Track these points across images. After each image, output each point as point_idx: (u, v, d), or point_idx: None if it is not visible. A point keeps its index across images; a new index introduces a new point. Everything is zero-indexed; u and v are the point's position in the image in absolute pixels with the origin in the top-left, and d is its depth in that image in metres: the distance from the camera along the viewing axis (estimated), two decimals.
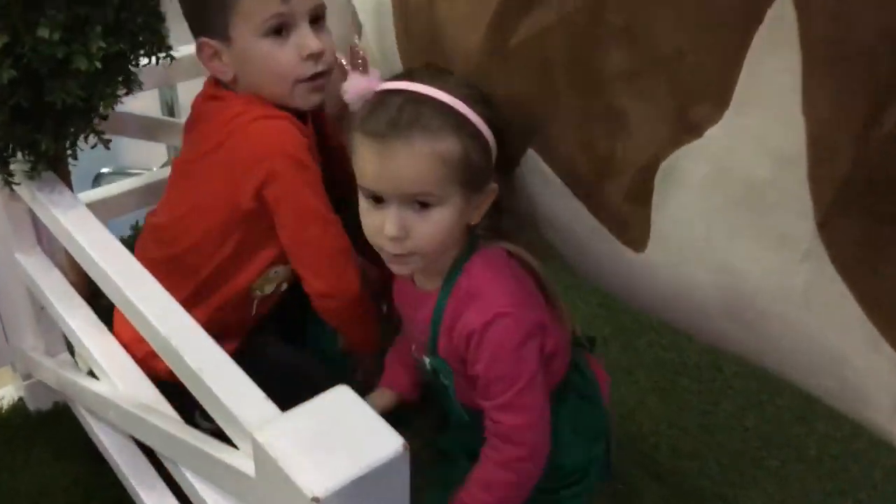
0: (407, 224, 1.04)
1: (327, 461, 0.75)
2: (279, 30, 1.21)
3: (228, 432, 0.96)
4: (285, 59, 1.22)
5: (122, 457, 1.40)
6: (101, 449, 1.48)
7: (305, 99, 1.26)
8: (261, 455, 0.80)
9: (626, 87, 0.88)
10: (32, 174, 1.30)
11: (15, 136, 1.21)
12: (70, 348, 1.69)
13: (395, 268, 1.12)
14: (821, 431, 1.75)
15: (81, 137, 1.27)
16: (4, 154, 1.26)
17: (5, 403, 1.81)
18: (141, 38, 1.20)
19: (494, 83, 1.05)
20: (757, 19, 0.74)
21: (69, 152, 1.28)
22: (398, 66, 1.23)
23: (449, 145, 1.01)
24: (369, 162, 1.03)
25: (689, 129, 0.83)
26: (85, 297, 1.48)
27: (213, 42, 1.25)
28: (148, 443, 1.20)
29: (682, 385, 1.86)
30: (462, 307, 1.09)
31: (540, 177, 1.05)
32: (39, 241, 1.58)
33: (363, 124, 1.04)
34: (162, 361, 1.04)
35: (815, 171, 0.75)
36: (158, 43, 1.24)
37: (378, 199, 1.06)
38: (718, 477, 1.65)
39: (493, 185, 1.09)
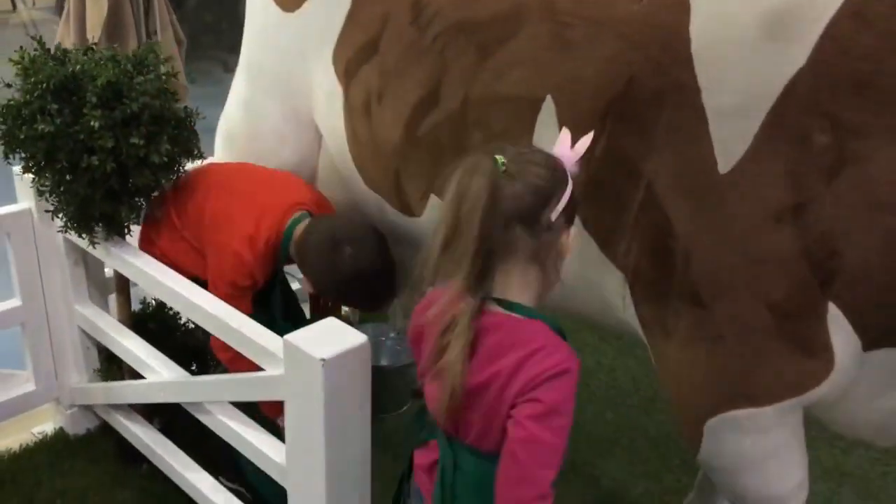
0: None
1: (326, 345, 1.43)
2: None
3: (257, 356, 1.61)
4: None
5: (157, 445, 2.03)
6: (138, 446, 2.10)
7: None
8: (289, 349, 1.47)
9: None
10: (108, 237, 1.96)
11: (103, 209, 1.89)
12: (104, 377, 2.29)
13: None
14: None
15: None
16: (91, 223, 1.93)
17: (50, 430, 2.38)
18: (188, 146, 1.92)
19: (410, 161, 1.79)
20: (535, 114, 1.51)
21: (135, 220, 1.96)
22: (349, 159, 1.97)
23: None
24: None
25: None
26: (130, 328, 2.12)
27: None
28: (195, 398, 1.83)
29: None
30: None
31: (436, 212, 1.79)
32: (90, 295, 2.22)
33: None
34: None
35: None
36: (195, 148, 1.96)
37: None
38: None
39: None
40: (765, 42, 1.26)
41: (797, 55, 1.23)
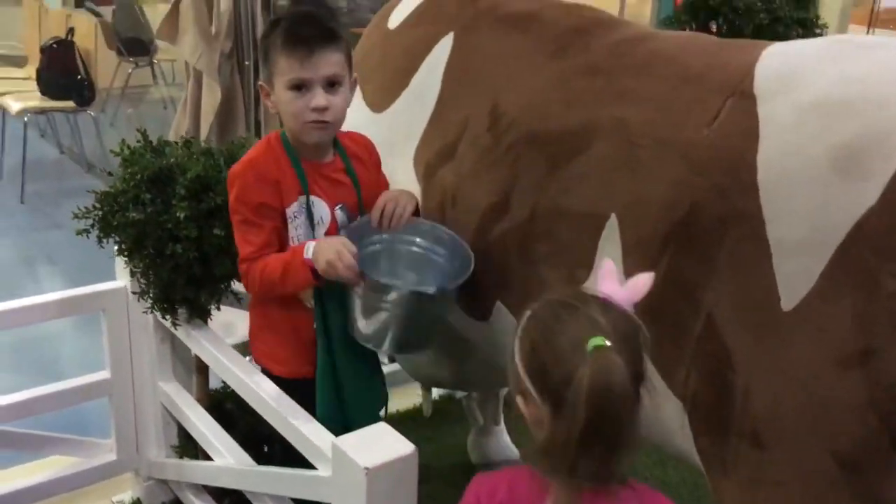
0: None
1: (373, 452, 1.42)
2: (299, 87, 1.71)
3: (309, 454, 1.61)
4: (297, 107, 1.71)
5: None
6: None
7: (310, 136, 1.74)
8: (337, 453, 1.47)
9: (545, 264, 1.62)
10: (190, 319, 2.04)
11: (185, 293, 1.97)
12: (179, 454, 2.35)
13: None
14: None
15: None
16: (175, 305, 2.01)
17: (128, 500, 2.46)
18: None
19: (480, 266, 1.79)
20: (599, 231, 1.49)
21: (215, 305, 2.03)
22: None
23: None
24: None
25: (576, 284, 1.56)
26: (206, 408, 2.17)
27: (265, 86, 1.78)
28: (254, 489, 1.85)
29: None
30: None
31: (502, 317, 1.77)
32: (174, 371, 2.30)
33: None
34: None
35: None
36: None
37: None
38: None
39: None
40: (834, 178, 1.20)
41: (868, 193, 1.17)
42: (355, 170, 1.86)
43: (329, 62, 1.70)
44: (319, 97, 1.70)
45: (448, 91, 1.91)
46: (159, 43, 6.70)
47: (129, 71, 6.71)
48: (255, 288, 1.80)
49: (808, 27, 2.89)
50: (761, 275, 1.27)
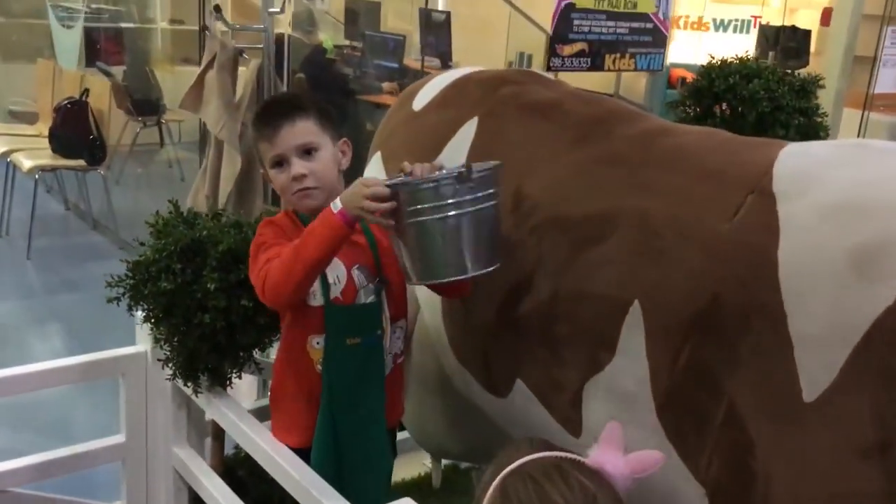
0: None
1: None
2: (280, 163, 1.83)
3: None
4: (281, 181, 1.83)
5: None
6: None
7: (301, 204, 1.83)
8: None
9: (567, 345, 1.67)
10: (211, 387, 2.07)
11: (209, 361, 2.01)
12: None
13: None
14: None
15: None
16: (197, 373, 2.05)
17: None
18: None
19: (499, 343, 1.84)
20: (623, 315, 1.55)
21: (238, 375, 2.07)
22: (443, 336, 2.04)
23: None
24: None
25: (597, 367, 1.61)
26: (220, 475, 2.19)
27: (264, 171, 1.91)
28: None
29: None
30: None
31: (522, 395, 1.81)
32: (188, 438, 2.32)
33: None
34: None
35: (653, 387, 1.51)
36: None
37: None
38: None
39: None
40: (853, 277, 1.27)
41: (886, 293, 1.23)
42: (373, 232, 1.87)
43: (296, 133, 1.80)
44: (297, 166, 1.80)
45: None
46: (167, 103, 6.85)
47: (138, 130, 6.82)
48: (272, 278, 1.73)
49: (809, 115, 2.99)
50: (783, 366, 1.32)
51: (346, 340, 1.85)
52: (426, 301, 2.12)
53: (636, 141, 1.73)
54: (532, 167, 1.87)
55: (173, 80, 6.89)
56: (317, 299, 1.84)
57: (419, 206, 1.58)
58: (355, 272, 1.86)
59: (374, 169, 2.27)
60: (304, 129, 1.81)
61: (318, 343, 1.86)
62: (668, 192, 1.58)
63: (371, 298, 1.87)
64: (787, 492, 1.32)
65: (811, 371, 1.30)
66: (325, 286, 1.82)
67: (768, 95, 2.87)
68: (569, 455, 1.18)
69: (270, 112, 1.85)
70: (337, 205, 1.64)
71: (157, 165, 7.21)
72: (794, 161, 1.47)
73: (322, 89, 4.75)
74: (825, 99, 3.44)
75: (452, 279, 1.66)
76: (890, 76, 4.44)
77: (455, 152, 2.04)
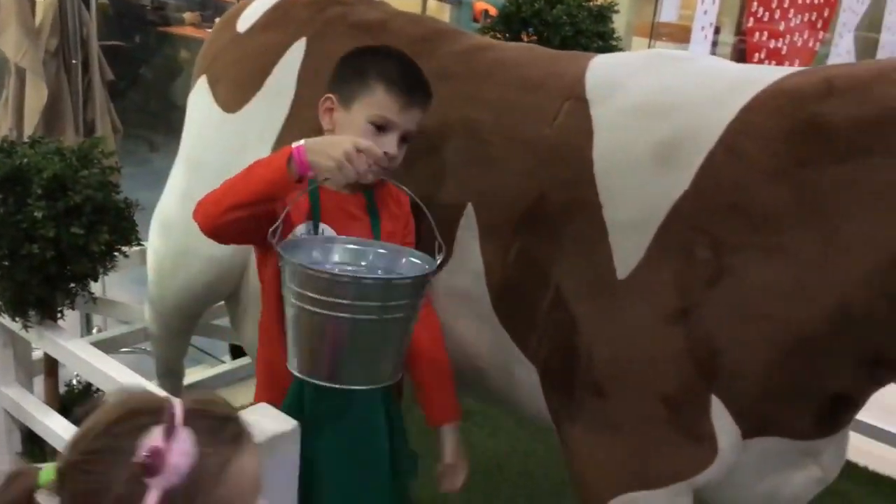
0: None
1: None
2: (382, 126, 1.63)
3: None
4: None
5: None
6: None
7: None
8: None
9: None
10: (41, 321, 2.02)
11: (38, 294, 1.95)
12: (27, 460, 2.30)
13: None
14: None
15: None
16: (26, 307, 1.98)
17: None
18: (126, 235, 2.01)
19: None
20: (458, 218, 1.68)
21: (71, 306, 2.03)
22: None
23: None
24: None
25: (438, 268, 1.74)
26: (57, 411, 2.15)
27: (334, 101, 1.67)
28: None
29: None
30: None
31: None
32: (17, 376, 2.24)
33: None
34: None
35: (488, 281, 1.66)
36: (135, 238, 2.05)
37: None
38: None
39: None
40: (656, 167, 1.46)
41: (683, 180, 1.43)
42: (379, 213, 1.71)
43: (416, 119, 1.66)
44: (394, 146, 1.63)
45: (303, 93, 2.03)
46: None
47: None
48: (205, 200, 1.56)
49: (605, 39, 3.25)
50: (600, 251, 1.51)
51: None
52: None
53: (462, 56, 1.84)
54: None
55: None
56: None
57: (308, 293, 1.42)
58: None
59: (200, 93, 2.24)
60: (419, 121, 1.68)
61: None
62: (494, 103, 1.71)
63: None
64: (606, 359, 1.52)
65: (623, 252, 1.49)
66: None
67: (570, 21, 3.08)
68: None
69: (418, 81, 1.67)
70: (300, 144, 1.50)
71: None
72: (602, 70, 1.64)
73: (126, 18, 4.50)
74: (618, 28, 3.72)
75: (326, 384, 1.49)
76: (672, 6, 4.84)
77: (284, 76, 2.07)
